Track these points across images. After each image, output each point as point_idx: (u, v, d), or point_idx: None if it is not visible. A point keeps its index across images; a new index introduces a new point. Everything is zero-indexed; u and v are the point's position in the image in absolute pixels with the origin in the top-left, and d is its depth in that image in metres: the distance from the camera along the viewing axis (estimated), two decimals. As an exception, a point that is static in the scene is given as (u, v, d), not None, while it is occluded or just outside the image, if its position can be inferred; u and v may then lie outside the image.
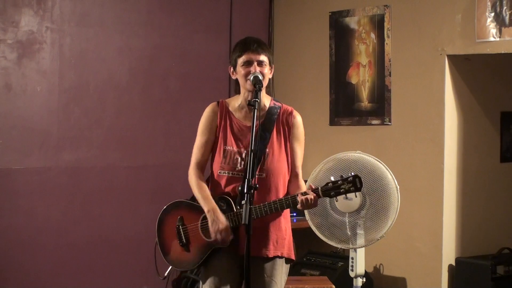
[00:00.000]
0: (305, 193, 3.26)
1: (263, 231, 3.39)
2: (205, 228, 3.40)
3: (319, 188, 3.26)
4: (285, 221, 3.49)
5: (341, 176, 3.27)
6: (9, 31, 5.07)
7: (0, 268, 5.04)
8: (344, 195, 3.28)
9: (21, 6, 5.10)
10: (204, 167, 3.51)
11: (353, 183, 3.24)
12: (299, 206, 3.27)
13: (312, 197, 3.24)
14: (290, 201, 3.30)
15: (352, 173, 3.27)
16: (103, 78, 5.44)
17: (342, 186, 3.24)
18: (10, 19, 5.07)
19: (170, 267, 3.60)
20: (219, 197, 3.40)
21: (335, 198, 3.29)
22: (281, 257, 3.45)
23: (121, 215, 5.50)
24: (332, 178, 3.28)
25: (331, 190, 3.25)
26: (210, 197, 3.40)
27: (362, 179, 3.27)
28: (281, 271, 3.47)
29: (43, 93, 5.20)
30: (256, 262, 3.38)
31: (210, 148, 3.49)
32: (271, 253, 3.41)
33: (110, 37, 5.47)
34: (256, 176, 3.35)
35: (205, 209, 3.37)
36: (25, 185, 5.14)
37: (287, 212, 3.51)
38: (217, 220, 3.33)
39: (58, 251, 5.25)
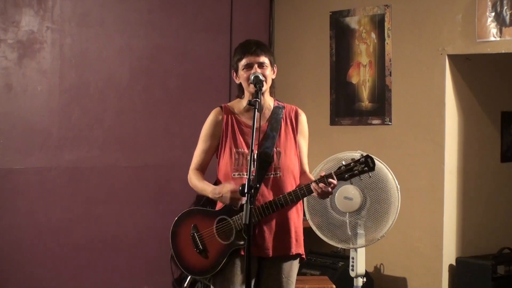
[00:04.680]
0: (320, 180, 3.25)
1: (284, 229, 3.41)
2: (221, 232, 3.40)
3: (332, 172, 3.27)
4: (301, 219, 3.51)
5: (353, 159, 3.27)
6: (10, 31, 5.08)
7: (0, 268, 5.05)
8: (358, 177, 3.28)
9: (21, 6, 5.11)
10: (204, 171, 3.53)
11: (366, 163, 3.25)
12: (315, 193, 3.28)
13: (324, 184, 3.24)
14: (305, 190, 3.31)
15: (363, 154, 3.28)
16: (104, 78, 5.45)
17: (355, 168, 3.25)
18: (10, 19, 5.08)
19: (189, 277, 3.59)
20: None
21: (349, 181, 3.29)
22: (297, 256, 3.48)
23: (121, 215, 5.50)
24: (344, 162, 3.28)
25: (345, 173, 3.27)
26: (208, 183, 3.43)
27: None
28: (296, 271, 3.50)
29: (43, 93, 5.21)
30: (275, 262, 3.41)
31: (212, 154, 3.51)
32: (293, 251, 3.43)
33: (111, 37, 5.48)
34: (271, 176, 3.37)
35: (209, 191, 3.38)
36: (25, 185, 5.14)
37: (302, 211, 3.52)
38: (221, 193, 3.32)
39: (58, 251, 5.25)
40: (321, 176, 3.27)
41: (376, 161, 4.21)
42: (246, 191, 3.06)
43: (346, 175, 3.27)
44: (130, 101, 5.56)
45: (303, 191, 3.32)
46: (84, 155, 5.36)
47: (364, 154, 3.30)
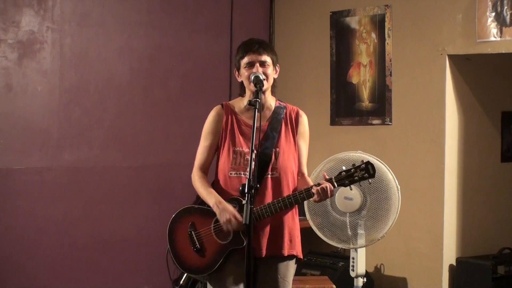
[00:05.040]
0: (319, 184, 3.27)
1: (277, 229, 3.40)
2: (218, 231, 3.40)
3: (333, 178, 3.28)
4: (297, 220, 3.51)
5: (353, 165, 3.28)
6: (10, 31, 5.07)
7: (0, 268, 5.04)
8: (358, 183, 3.29)
9: (21, 6, 5.11)
10: (207, 170, 3.51)
11: (366, 170, 3.27)
12: (315, 197, 3.27)
13: (328, 185, 3.25)
14: (304, 194, 3.30)
15: (364, 160, 3.29)
16: (104, 78, 5.44)
17: (356, 174, 3.27)
18: (10, 19, 5.07)
19: (185, 274, 3.58)
20: (230, 198, 3.38)
21: (349, 187, 3.30)
22: (293, 257, 3.47)
23: (121, 215, 5.50)
24: (344, 168, 3.29)
25: (345, 178, 3.28)
26: (215, 192, 3.40)
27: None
28: (292, 271, 3.50)
29: (43, 93, 5.20)
30: (269, 262, 3.40)
31: (214, 152, 3.49)
32: (286, 252, 3.42)
33: (111, 37, 5.48)
34: (269, 176, 3.37)
35: (211, 203, 3.36)
36: (25, 185, 5.14)
37: (297, 212, 3.52)
38: (224, 210, 3.32)
39: (58, 251, 5.25)
40: (321, 182, 3.27)
41: (376, 162, 4.22)
42: (246, 191, 3.05)
43: (347, 181, 3.29)
44: (130, 101, 5.56)
45: (303, 195, 3.31)
46: (84, 155, 5.35)
47: (365, 160, 3.30)
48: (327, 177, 3.31)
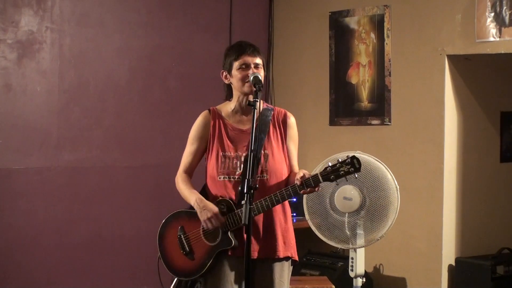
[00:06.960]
0: (306, 182, 3.24)
1: (270, 231, 3.39)
2: (207, 233, 3.40)
3: (319, 173, 3.25)
4: (290, 222, 3.50)
5: (338, 160, 3.25)
6: (9, 31, 5.07)
7: (0, 268, 5.04)
8: (344, 178, 3.25)
9: (21, 6, 5.10)
10: (191, 174, 3.52)
11: (352, 164, 3.22)
12: (300, 184, 3.25)
13: (305, 172, 3.25)
14: (290, 190, 3.28)
15: (349, 155, 3.26)
16: (103, 78, 5.44)
17: (341, 169, 3.23)
18: (10, 19, 5.07)
19: (176, 278, 3.58)
20: (219, 200, 3.38)
21: (335, 181, 3.26)
22: (288, 258, 3.46)
23: (121, 215, 5.50)
24: (330, 163, 3.27)
25: (331, 173, 3.24)
26: (196, 192, 3.42)
27: (361, 170, 3.26)
28: (288, 273, 3.49)
29: (43, 93, 5.20)
30: (265, 264, 3.40)
31: (200, 157, 3.51)
32: (281, 254, 3.41)
33: (110, 37, 5.48)
34: (258, 178, 3.35)
35: (192, 200, 3.38)
36: (25, 185, 5.14)
37: (290, 214, 3.51)
38: (205, 207, 3.33)
39: (58, 251, 5.25)
40: (307, 177, 3.25)
41: (375, 162, 4.22)
42: (245, 191, 3.05)
43: (332, 176, 3.24)
44: (129, 101, 5.56)
45: (289, 191, 3.29)
46: (84, 155, 5.35)
47: (350, 155, 3.29)
48: (311, 175, 3.28)
